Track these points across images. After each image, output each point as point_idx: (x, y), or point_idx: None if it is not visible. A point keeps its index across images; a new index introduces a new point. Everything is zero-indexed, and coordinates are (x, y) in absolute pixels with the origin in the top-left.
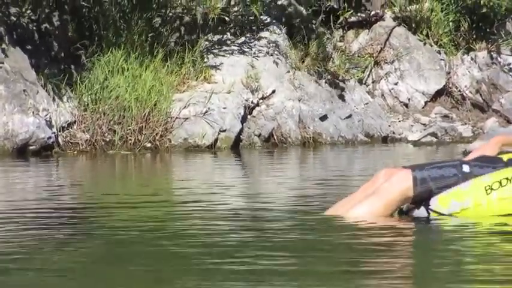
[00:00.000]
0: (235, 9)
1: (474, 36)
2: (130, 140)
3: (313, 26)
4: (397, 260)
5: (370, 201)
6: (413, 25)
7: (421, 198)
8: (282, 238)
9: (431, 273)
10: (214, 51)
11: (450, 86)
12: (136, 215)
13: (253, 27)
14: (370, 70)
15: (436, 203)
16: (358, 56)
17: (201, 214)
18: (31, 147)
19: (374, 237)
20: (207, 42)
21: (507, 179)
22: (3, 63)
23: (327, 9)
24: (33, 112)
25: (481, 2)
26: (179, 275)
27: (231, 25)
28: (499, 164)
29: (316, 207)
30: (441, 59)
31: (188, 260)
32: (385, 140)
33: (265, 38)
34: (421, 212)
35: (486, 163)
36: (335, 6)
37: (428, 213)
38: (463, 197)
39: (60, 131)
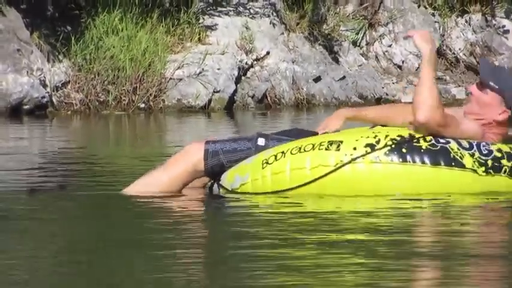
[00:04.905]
0: None
1: None
2: (124, 100)
3: None
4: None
5: (154, 174)
6: None
7: (214, 173)
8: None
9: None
10: (210, 12)
11: (444, 48)
12: None
13: None
14: (364, 32)
15: (224, 177)
16: (353, 18)
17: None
18: (25, 107)
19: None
20: (202, 3)
21: (282, 152)
22: None
23: None
24: (27, 72)
25: None
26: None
27: None
28: (301, 137)
29: None
30: (435, 22)
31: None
32: (378, 101)
33: None
34: (215, 187)
35: (289, 136)
36: None
37: (219, 189)
38: (245, 171)
39: (54, 91)
